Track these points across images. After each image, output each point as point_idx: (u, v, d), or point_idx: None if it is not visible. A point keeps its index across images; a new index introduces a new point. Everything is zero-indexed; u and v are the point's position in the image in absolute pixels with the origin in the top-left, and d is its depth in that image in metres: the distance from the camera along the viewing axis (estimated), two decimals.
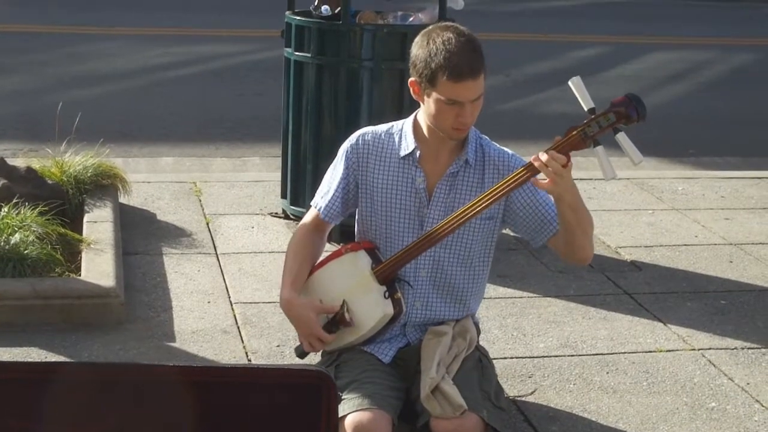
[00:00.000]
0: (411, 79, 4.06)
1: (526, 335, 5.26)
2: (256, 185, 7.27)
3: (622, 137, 3.81)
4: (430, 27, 4.13)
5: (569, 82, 3.83)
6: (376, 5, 6.59)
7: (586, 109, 3.81)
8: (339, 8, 6.39)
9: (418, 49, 4.04)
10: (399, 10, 6.53)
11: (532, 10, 17.17)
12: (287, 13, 6.61)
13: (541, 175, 3.81)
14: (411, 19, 6.39)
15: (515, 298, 5.66)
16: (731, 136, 9.68)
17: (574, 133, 3.83)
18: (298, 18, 6.53)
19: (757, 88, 11.71)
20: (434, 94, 3.98)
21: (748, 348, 5.21)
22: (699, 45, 14.28)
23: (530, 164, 3.87)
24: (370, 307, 4.18)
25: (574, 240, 4.09)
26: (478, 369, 4.29)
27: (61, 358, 4.75)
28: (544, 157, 3.76)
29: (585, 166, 7.68)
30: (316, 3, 6.67)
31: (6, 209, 5.72)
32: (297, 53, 6.48)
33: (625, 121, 3.80)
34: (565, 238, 4.10)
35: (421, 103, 4.11)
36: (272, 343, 4.95)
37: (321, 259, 4.35)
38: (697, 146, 9.14)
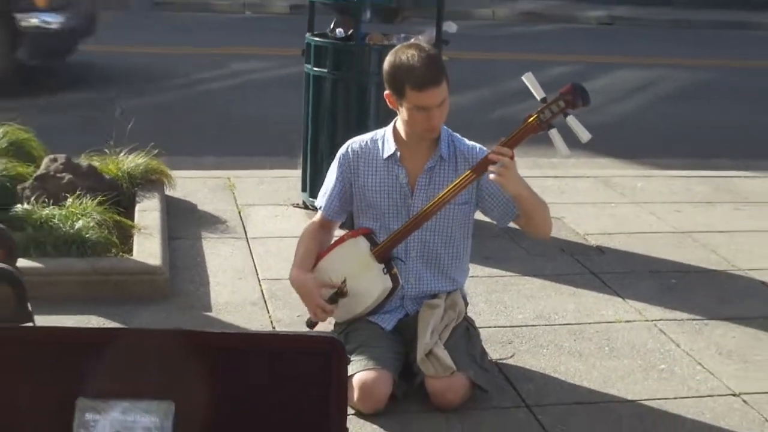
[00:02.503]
0: (386, 92, 4.14)
1: (506, 308, 5.25)
2: (281, 180, 7.27)
3: (571, 120, 3.95)
4: (397, 47, 4.21)
5: (523, 77, 3.94)
6: (382, 29, 6.58)
7: (538, 99, 3.94)
8: (351, 31, 6.41)
9: (387, 65, 4.15)
10: (402, 33, 6.53)
11: (515, 34, 17.10)
12: (307, 34, 6.61)
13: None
14: (412, 40, 6.38)
15: (498, 277, 5.65)
16: (682, 141, 9.65)
17: (531, 119, 3.94)
18: (317, 39, 6.52)
19: (707, 101, 11.65)
20: (405, 103, 4.08)
21: (692, 319, 5.20)
22: (660, 64, 14.22)
23: (487, 156, 4.01)
24: (373, 282, 4.24)
25: (529, 221, 4.23)
26: (465, 336, 4.33)
27: (116, 325, 4.75)
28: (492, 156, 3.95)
29: (556, 165, 7.69)
30: (332, 26, 6.67)
31: (71, 200, 5.73)
32: (316, 69, 6.47)
33: (572, 107, 3.91)
34: (524, 219, 4.21)
35: (397, 112, 4.18)
36: (294, 314, 4.94)
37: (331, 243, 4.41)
38: (653, 150, 9.11)
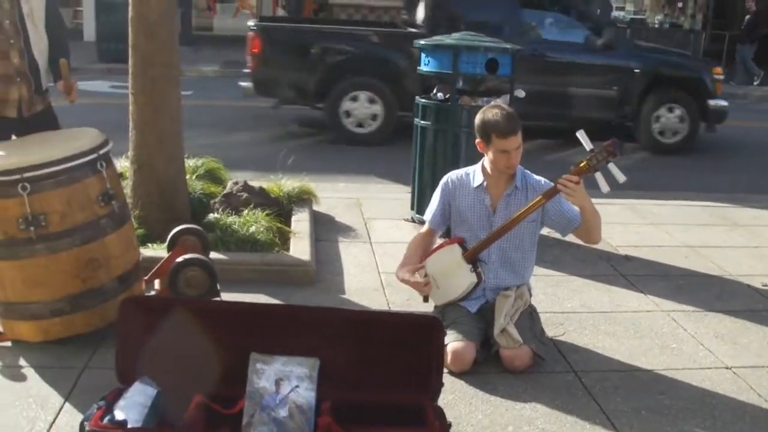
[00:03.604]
0: (477, 140, 4.20)
1: (559, 299, 5.17)
2: (395, 201, 7.25)
3: (612, 166, 3.91)
4: (484, 107, 4.29)
5: (576, 133, 3.94)
6: (471, 94, 6.54)
7: (587, 149, 3.91)
8: (449, 95, 6.40)
9: (478, 121, 4.21)
10: (485, 97, 6.50)
11: None
12: (417, 97, 6.61)
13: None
14: (491, 102, 6.34)
15: (553, 276, 5.57)
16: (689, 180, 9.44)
17: (582, 164, 3.91)
18: (423, 100, 6.52)
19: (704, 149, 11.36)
20: (491, 148, 4.12)
21: (696, 311, 5.07)
22: None
23: (555, 186, 3.98)
24: (463, 277, 4.25)
25: (588, 229, 4.18)
26: (530, 318, 4.31)
27: (278, 302, 4.79)
28: (562, 181, 3.91)
29: (594, 195, 7.56)
30: (434, 91, 6.67)
31: (247, 212, 5.80)
32: (422, 121, 6.46)
33: (613, 156, 3.88)
34: (584, 228, 4.17)
35: (485, 154, 4.21)
36: (403, 298, 4.93)
37: (432, 249, 4.41)
38: (667, 186, 8.92)
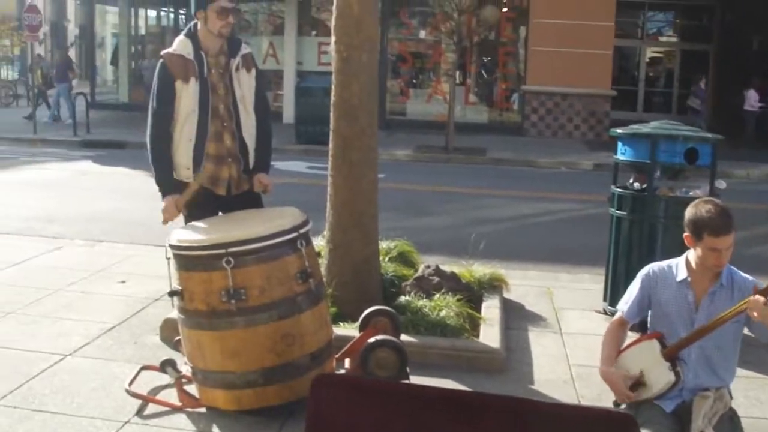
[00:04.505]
0: (685, 234, 4.01)
1: (762, 403, 4.89)
2: (586, 291, 7.11)
3: None
4: (696, 201, 4.07)
5: None
6: (669, 184, 6.36)
7: None
8: (645, 185, 6.27)
9: (689, 215, 3.99)
10: (684, 188, 6.32)
11: (764, 190, 16.12)
12: (612, 186, 6.51)
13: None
14: (690, 193, 6.16)
15: (756, 378, 5.27)
16: None
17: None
18: (620, 190, 6.41)
19: None
20: (701, 245, 3.93)
21: None
22: None
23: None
24: (661, 375, 4.06)
25: None
26: (730, 423, 4.09)
27: (465, 389, 4.75)
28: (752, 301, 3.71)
29: None
30: (631, 181, 6.55)
31: (438, 296, 5.83)
32: (618, 212, 6.36)
33: None
34: None
35: (693, 249, 4.03)
36: (594, 392, 4.80)
37: (627, 343, 4.25)
38: None
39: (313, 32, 25.30)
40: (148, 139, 4.83)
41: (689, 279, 4.11)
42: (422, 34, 24.11)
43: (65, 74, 23.15)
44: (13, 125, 21.46)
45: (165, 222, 4.89)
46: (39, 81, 25.93)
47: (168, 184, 4.85)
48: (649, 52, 28.89)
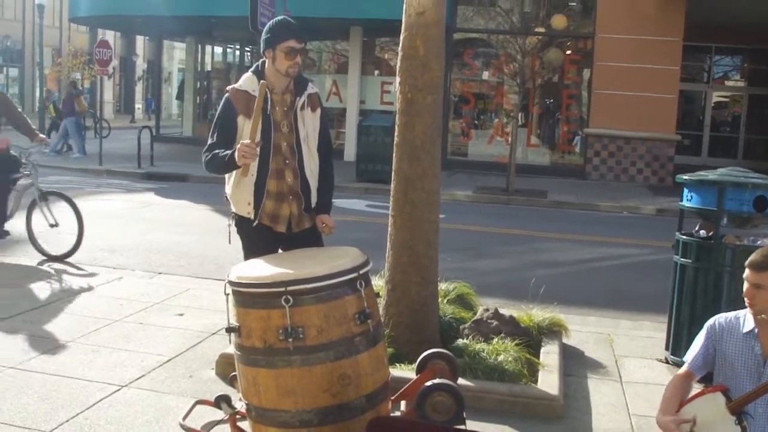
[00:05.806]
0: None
1: None
2: (648, 339, 6.98)
3: None
4: (762, 248, 3.97)
5: None
6: (736, 233, 6.23)
7: None
8: (712, 233, 6.15)
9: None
10: (751, 236, 6.19)
11: None
12: (677, 233, 6.40)
13: None
14: (759, 242, 6.03)
15: None
16: None
17: None
18: (685, 237, 6.30)
19: None
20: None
21: None
22: None
23: None
24: (725, 430, 3.94)
25: None
26: None
27: None
28: None
29: None
30: (697, 228, 6.43)
31: (496, 340, 5.77)
32: (682, 259, 6.25)
33: None
34: None
35: None
36: None
37: (691, 394, 4.12)
38: None
39: (376, 71, 25.53)
40: (204, 164, 4.83)
41: (756, 330, 3.99)
42: (485, 75, 24.13)
43: (72, 108, 23.85)
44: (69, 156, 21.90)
45: (248, 164, 4.69)
46: (52, 114, 28.25)
47: (229, 153, 4.67)
48: (715, 96, 28.57)
